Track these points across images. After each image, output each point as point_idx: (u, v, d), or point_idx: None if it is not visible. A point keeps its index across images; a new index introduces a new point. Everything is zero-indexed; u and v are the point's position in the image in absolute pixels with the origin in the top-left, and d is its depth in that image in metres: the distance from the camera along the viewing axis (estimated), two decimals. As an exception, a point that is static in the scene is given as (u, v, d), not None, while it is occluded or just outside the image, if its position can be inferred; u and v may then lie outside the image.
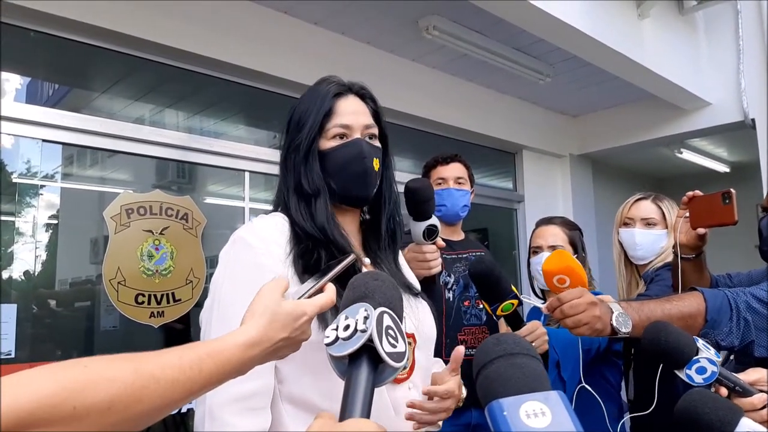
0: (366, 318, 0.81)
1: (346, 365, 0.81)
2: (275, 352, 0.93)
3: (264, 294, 0.95)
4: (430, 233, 1.83)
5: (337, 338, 0.81)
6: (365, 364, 0.79)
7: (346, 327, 0.81)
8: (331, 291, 1.01)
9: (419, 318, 1.41)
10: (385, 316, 0.83)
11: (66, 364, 0.72)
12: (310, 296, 1.01)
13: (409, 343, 1.33)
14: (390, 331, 0.82)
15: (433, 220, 1.83)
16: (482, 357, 0.74)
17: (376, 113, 1.45)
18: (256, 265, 1.21)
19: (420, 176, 2.88)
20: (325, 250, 1.26)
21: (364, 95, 1.44)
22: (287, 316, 0.93)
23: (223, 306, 1.20)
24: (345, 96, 1.40)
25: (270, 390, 1.18)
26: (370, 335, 0.79)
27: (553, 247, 2.42)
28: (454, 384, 1.36)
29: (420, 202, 1.77)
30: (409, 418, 1.31)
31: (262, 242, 1.25)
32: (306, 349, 1.03)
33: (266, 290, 0.96)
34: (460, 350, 1.38)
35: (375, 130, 1.43)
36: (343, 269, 1.09)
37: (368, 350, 0.80)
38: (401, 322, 0.87)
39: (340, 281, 1.05)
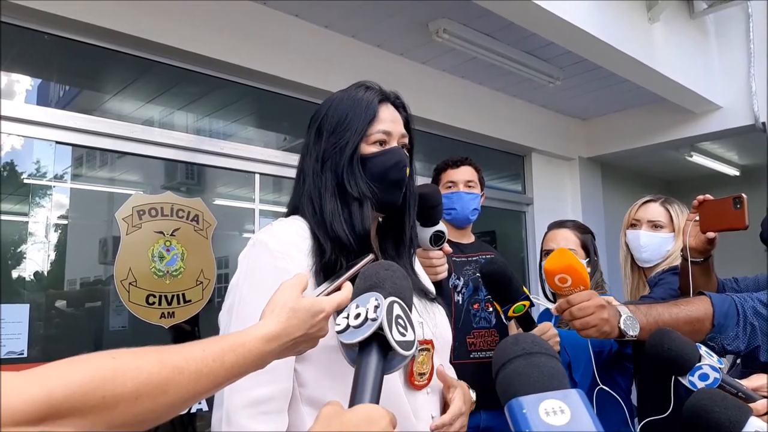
0: (376, 307, 0.83)
1: (356, 353, 0.83)
2: (293, 347, 0.95)
3: (283, 290, 0.97)
4: (437, 239, 1.83)
5: (348, 326, 0.84)
6: (375, 352, 0.82)
7: (357, 315, 0.84)
8: (348, 289, 1.02)
9: (436, 323, 1.41)
10: (395, 305, 0.86)
11: (94, 355, 0.73)
12: (327, 294, 1.03)
13: (428, 349, 1.34)
14: (400, 320, 0.85)
15: (441, 226, 1.83)
16: (501, 356, 0.76)
17: (407, 122, 1.47)
18: (275, 268, 1.20)
19: (430, 179, 2.90)
20: (351, 259, 1.25)
21: (398, 105, 1.46)
22: (306, 312, 0.94)
23: (242, 309, 1.20)
24: (385, 104, 1.42)
25: (287, 394, 1.18)
26: (381, 324, 0.81)
27: (565, 251, 2.42)
28: (458, 402, 1.36)
29: (428, 208, 1.78)
30: None
31: (283, 246, 1.25)
32: (326, 352, 1.04)
33: (286, 287, 0.98)
34: (439, 369, 1.38)
35: (407, 139, 1.45)
36: (361, 269, 1.10)
37: (378, 338, 0.82)
38: (411, 312, 0.89)
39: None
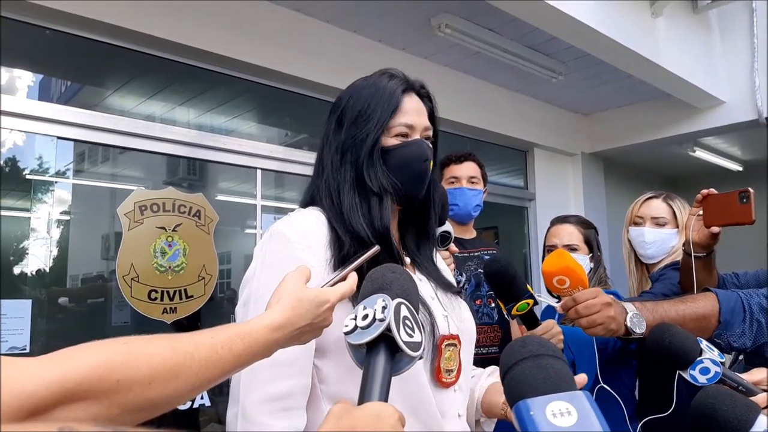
0: (384, 308, 0.84)
1: (364, 354, 0.84)
2: (298, 337, 0.96)
3: (288, 281, 0.98)
4: (444, 239, 1.83)
5: (355, 327, 0.84)
6: (383, 353, 0.82)
7: (365, 317, 0.84)
8: (352, 280, 1.02)
9: (462, 318, 1.37)
10: (402, 306, 0.86)
11: (107, 341, 0.75)
12: (332, 285, 1.03)
13: (455, 345, 1.29)
14: (407, 321, 0.85)
15: (447, 227, 1.83)
16: (509, 359, 0.76)
17: (431, 113, 1.42)
18: (294, 259, 1.15)
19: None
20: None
21: (423, 95, 1.41)
22: (311, 302, 0.95)
23: (260, 302, 1.14)
24: (409, 93, 1.36)
25: (305, 390, 1.15)
26: (388, 324, 0.82)
27: (568, 246, 2.41)
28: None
29: None
30: None
31: (302, 237, 1.21)
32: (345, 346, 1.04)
33: (290, 278, 0.99)
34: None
35: (431, 132, 1.39)
36: (367, 260, 1.11)
37: (386, 339, 0.82)
38: (417, 314, 0.89)
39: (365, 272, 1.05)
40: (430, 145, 1.38)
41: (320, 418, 1.16)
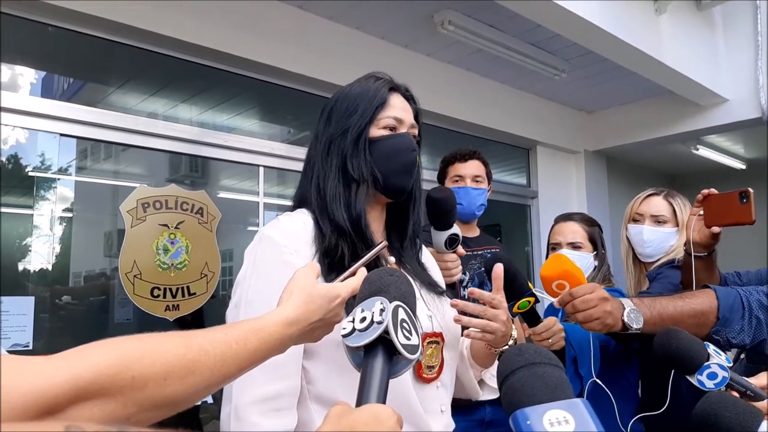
0: (382, 311, 0.84)
1: (362, 356, 0.84)
2: (310, 333, 0.96)
3: (299, 277, 0.99)
4: (452, 242, 1.82)
5: (353, 329, 0.84)
6: (380, 355, 0.82)
7: (363, 319, 0.84)
8: (362, 275, 1.03)
9: (445, 317, 1.40)
10: (400, 309, 0.86)
11: (120, 338, 0.74)
12: (342, 281, 1.04)
13: (437, 342, 1.34)
14: (405, 324, 0.85)
15: (455, 229, 1.82)
16: (505, 367, 0.76)
17: (416, 114, 1.46)
18: (283, 263, 1.19)
19: (434, 172, 2.88)
20: (350, 245, 1.26)
21: (408, 97, 1.46)
22: (322, 297, 0.96)
23: (250, 304, 1.19)
24: (395, 93, 1.41)
25: (296, 391, 1.18)
26: (386, 327, 0.82)
27: (572, 244, 2.40)
28: (501, 297, 1.43)
29: (443, 212, 1.77)
30: (457, 321, 1.37)
31: (290, 240, 1.24)
32: (334, 347, 1.05)
33: (301, 273, 1.00)
34: (499, 267, 1.44)
35: (416, 131, 1.44)
36: (375, 255, 1.14)
37: (383, 342, 0.83)
38: (415, 317, 0.90)
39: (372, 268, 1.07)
40: (416, 142, 1.43)
41: (308, 418, 1.18)
